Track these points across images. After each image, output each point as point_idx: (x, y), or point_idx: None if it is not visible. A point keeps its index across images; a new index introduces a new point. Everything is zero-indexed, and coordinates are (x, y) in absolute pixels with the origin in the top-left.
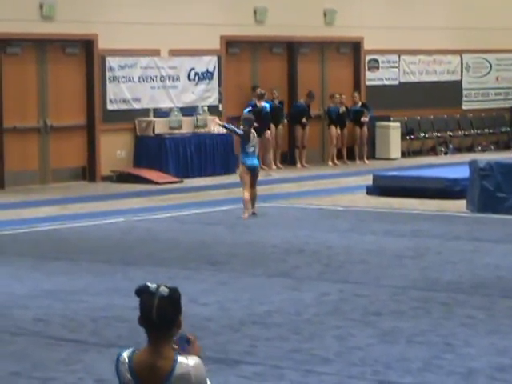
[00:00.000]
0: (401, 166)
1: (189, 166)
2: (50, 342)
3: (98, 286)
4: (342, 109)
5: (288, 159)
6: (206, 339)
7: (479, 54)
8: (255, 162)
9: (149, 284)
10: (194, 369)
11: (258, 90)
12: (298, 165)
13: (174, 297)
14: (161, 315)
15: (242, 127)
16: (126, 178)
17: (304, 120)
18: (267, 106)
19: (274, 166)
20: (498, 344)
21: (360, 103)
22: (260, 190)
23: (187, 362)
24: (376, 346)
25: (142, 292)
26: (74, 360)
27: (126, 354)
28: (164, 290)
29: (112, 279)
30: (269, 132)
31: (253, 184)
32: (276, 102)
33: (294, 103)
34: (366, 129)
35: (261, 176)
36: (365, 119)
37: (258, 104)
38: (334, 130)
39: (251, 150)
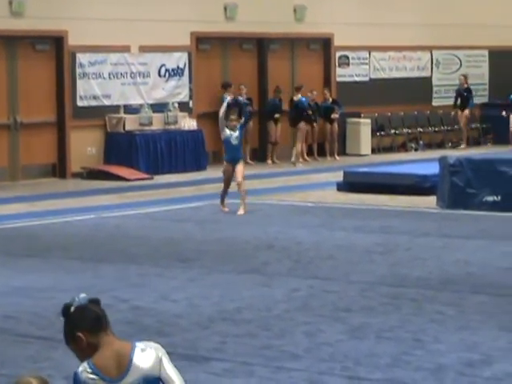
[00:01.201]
0: (371, 163)
1: (159, 162)
2: (18, 340)
3: (68, 283)
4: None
5: (258, 155)
6: (176, 336)
7: (449, 51)
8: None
9: (70, 301)
10: (152, 345)
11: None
12: (269, 161)
13: (95, 300)
14: (102, 311)
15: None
16: (96, 174)
17: (277, 115)
18: (304, 99)
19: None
20: (467, 340)
21: (330, 100)
22: (230, 186)
23: (143, 342)
24: (345, 342)
25: (70, 306)
26: (42, 357)
27: (83, 365)
28: (84, 296)
29: (82, 276)
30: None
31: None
32: (243, 98)
33: (267, 99)
34: (336, 125)
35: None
36: (335, 116)
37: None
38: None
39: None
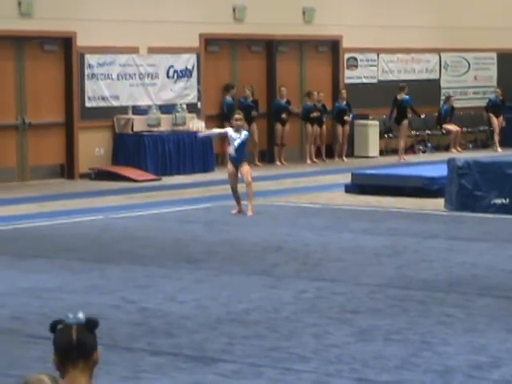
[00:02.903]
0: (379, 165)
1: (167, 163)
2: (27, 340)
3: (75, 283)
4: (318, 107)
5: (267, 157)
6: (184, 337)
7: (458, 53)
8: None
9: (67, 315)
10: None
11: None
12: (277, 162)
13: (91, 323)
14: (80, 340)
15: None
16: (104, 175)
17: (284, 116)
18: (407, 97)
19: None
20: (475, 342)
21: (345, 102)
22: (238, 188)
23: None
24: (353, 344)
25: (58, 324)
26: (51, 358)
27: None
28: (81, 316)
29: (90, 277)
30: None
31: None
32: (249, 100)
33: (274, 101)
34: (347, 127)
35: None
36: (347, 118)
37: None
38: (311, 128)
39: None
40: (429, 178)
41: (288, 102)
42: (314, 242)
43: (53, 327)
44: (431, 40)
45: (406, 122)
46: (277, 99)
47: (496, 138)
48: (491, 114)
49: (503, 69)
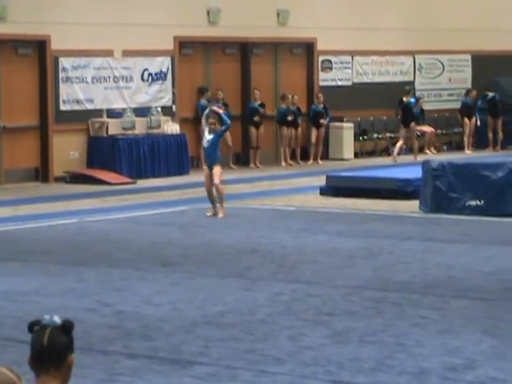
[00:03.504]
0: (354, 167)
1: (142, 166)
2: (2, 343)
3: (51, 287)
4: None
5: (242, 160)
6: (160, 340)
7: (432, 55)
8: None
9: (43, 317)
10: None
11: (407, 87)
12: (252, 165)
13: (67, 326)
14: (52, 344)
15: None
16: (79, 178)
17: (256, 119)
18: (413, 100)
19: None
20: (450, 344)
21: (322, 105)
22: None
23: None
24: (328, 346)
25: (35, 325)
26: (26, 361)
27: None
28: (57, 319)
29: (65, 280)
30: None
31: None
32: (221, 103)
33: (247, 104)
34: (323, 130)
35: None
36: (323, 121)
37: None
38: (286, 131)
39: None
40: (403, 180)
41: (261, 105)
42: (290, 245)
43: (30, 328)
44: (405, 42)
45: (413, 123)
46: (250, 102)
47: (466, 140)
48: (465, 117)
49: (477, 71)
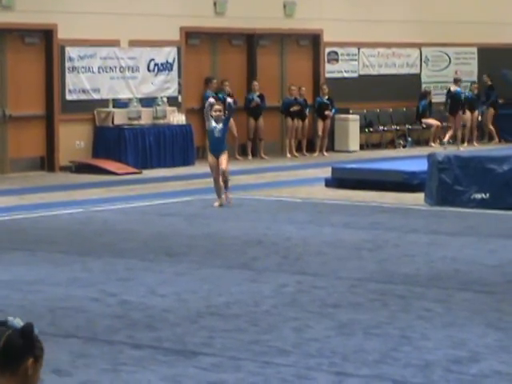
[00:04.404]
0: (359, 159)
1: (148, 156)
2: None
3: (56, 276)
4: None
5: (247, 151)
6: (164, 330)
7: (438, 48)
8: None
9: (8, 318)
10: None
11: (456, 75)
12: (249, 157)
13: (25, 330)
14: (6, 347)
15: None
16: (84, 168)
17: (253, 104)
18: (459, 90)
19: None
20: (455, 337)
21: (326, 96)
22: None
23: None
24: (333, 338)
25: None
26: None
27: None
28: (17, 322)
29: (70, 270)
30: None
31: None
32: (226, 94)
33: (247, 96)
34: (329, 122)
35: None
36: (329, 113)
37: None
38: (291, 122)
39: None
40: (409, 173)
41: (260, 96)
42: (295, 236)
43: None
44: (412, 34)
45: (460, 113)
46: (249, 93)
47: (462, 133)
48: (467, 110)
49: (484, 63)
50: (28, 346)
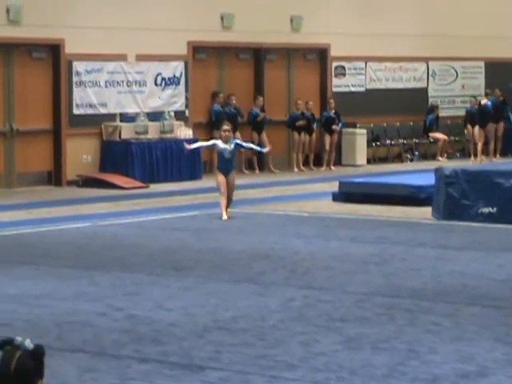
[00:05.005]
0: (367, 173)
1: (155, 171)
2: None
3: (63, 290)
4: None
5: (254, 165)
6: (171, 345)
7: (445, 62)
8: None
9: (16, 337)
10: None
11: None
12: (257, 171)
13: (37, 352)
14: (18, 369)
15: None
16: (91, 182)
17: (260, 118)
18: (490, 103)
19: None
20: (463, 351)
21: (333, 111)
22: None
23: None
24: (341, 352)
25: (6, 343)
26: None
27: None
28: (28, 344)
29: (77, 284)
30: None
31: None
32: (233, 108)
33: (250, 110)
34: (336, 136)
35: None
36: (336, 127)
37: (479, 103)
38: (298, 137)
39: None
40: (416, 187)
41: (262, 110)
42: (302, 250)
43: (1, 347)
44: (419, 48)
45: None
46: (252, 108)
47: (471, 147)
48: (468, 124)
49: (491, 77)
50: (39, 369)
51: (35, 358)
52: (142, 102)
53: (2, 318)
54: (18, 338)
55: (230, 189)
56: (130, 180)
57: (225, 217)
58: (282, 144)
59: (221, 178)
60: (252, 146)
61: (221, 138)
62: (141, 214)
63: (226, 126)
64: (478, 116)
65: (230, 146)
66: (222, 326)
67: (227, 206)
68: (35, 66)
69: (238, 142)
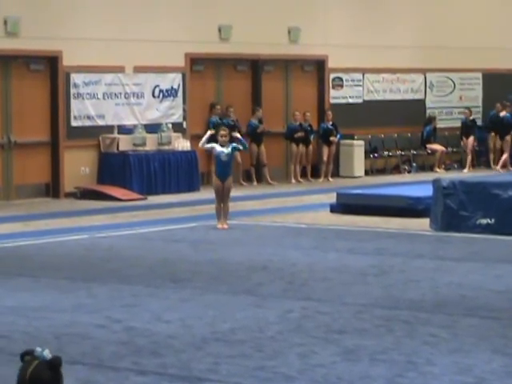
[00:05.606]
0: (364, 184)
1: (153, 182)
2: (11, 359)
3: (61, 302)
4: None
5: (252, 177)
6: (169, 357)
7: (443, 73)
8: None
9: (36, 348)
10: None
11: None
12: (255, 183)
13: (54, 362)
14: (34, 378)
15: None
16: (89, 194)
17: (260, 130)
18: (508, 115)
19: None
20: (461, 362)
21: (331, 122)
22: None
23: None
24: (339, 364)
25: (27, 354)
26: None
27: None
28: (47, 354)
29: (75, 296)
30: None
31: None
32: (230, 120)
33: (249, 122)
34: (334, 148)
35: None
36: (334, 139)
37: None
38: (295, 148)
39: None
40: (414, 198)
41: (260, 122)
42: (300, 262)
43: (22, 357)
44: (416, 60)
45: (508, 137)
46: (251, 120)
47: (468, 158)
48: (463, 136)
49: (489, 89)
50: (56, 379)
51: (52, 368)
52: (139, 113)
53: (1, 330)
54: (38, 349)
55: (226, 195)
56: (127, 192)
57: (219, 225)
58: (280, 156)
59: (217, 183)
60: (241, 138)
61: (218, 142)
62: (139, 225)
63: (223, 131)
64: (498, 127)
65: (227, 150)
66: (220, 338)
67: (224, 216)
68: (33, 77)
69: (235, 145)
